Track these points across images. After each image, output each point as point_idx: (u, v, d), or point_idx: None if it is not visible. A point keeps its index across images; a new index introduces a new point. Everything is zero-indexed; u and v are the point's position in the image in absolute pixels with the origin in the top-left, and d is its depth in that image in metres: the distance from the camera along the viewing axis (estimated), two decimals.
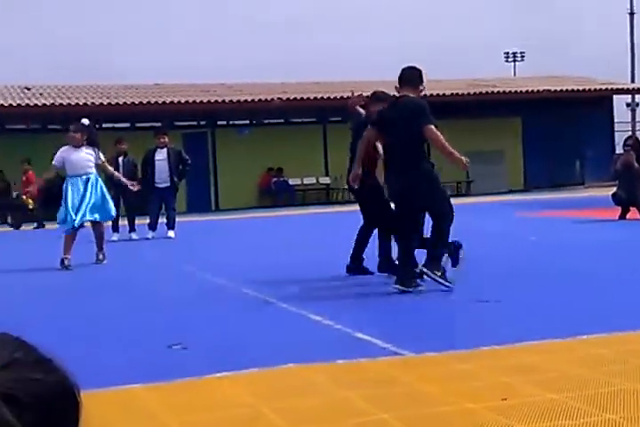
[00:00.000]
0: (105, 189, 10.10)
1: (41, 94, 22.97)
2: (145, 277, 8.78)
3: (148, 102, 22.67)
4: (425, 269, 6.71)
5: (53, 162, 10.09)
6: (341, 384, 3.83)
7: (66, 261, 9.72)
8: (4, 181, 21.51)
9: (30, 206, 18.79)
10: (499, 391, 3.55)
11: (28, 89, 23.68)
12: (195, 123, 24.66)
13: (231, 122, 25.22)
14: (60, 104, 21.75)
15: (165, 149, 13.79)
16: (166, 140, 13.82)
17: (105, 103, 22.32)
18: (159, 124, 21.24)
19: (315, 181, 25.61)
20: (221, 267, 9.18)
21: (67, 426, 0.81)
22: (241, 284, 7.55)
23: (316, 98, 24.19)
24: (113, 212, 10.24)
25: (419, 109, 6.85)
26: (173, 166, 13.79)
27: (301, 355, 4.44)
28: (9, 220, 20.27)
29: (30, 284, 8.54)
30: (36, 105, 21.76)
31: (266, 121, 25.24)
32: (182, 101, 22.92)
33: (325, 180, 25.69)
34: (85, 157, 9.90)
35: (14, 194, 20.66)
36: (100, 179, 10.09)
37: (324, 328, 5.34)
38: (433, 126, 6.78)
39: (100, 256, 10.12)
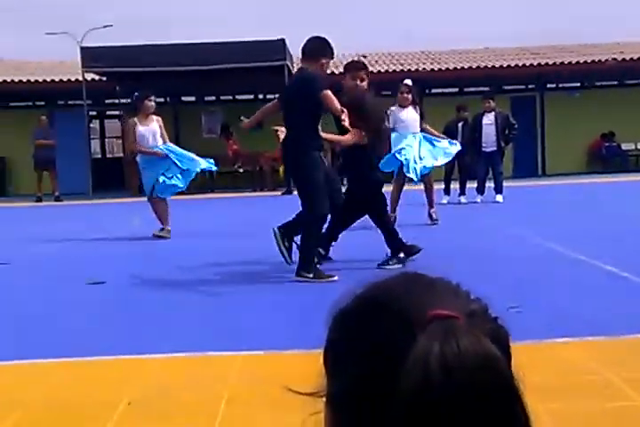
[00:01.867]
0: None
1: (376, 62, 23.87)
2: (475, 239, 8.88)
3: (478, 67, 22.62)
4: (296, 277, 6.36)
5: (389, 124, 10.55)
6: None
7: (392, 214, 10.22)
8: None
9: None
10: None
11: (364, 57, 24.68)
12: (523, 86, 24.18)
13: (561, 85, 24.40)
14: (393, 70, 22.45)
15: (492, 113, 13.79)
16: (492, 104, 13.80)
17: (436, 69, 22.65)
18: (487, 89, 21.15)
19: None
20: (552, 232, 9.04)
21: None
22: (574, 249, 7.39)
23: None
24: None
25: (308, 81, 6.37)
26: (500, 130, 13.76)
27: None
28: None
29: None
30: (371, 72, 22.62)
31: (598, 83, 24.09)
32: (512, 65, 22.60)
33: None
34: (414, 116, 10.20)
35: None
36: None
37: None
38: (328, 92, 6.26)
39: (434, 215, 10.46)
